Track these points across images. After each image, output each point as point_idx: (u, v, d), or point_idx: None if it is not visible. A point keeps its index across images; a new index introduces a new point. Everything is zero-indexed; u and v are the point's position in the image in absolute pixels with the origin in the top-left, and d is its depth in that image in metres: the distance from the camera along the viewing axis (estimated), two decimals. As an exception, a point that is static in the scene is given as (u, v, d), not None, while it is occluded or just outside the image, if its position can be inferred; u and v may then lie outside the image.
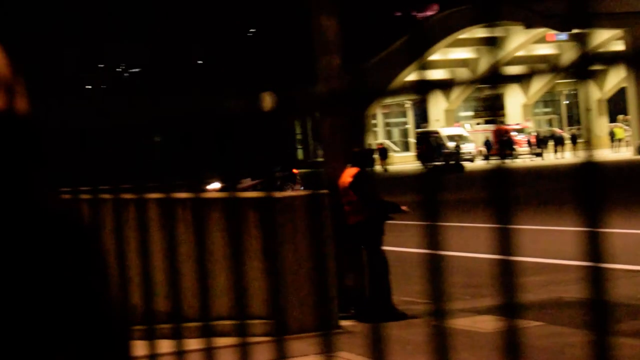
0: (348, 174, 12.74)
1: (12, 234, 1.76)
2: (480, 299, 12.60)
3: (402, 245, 16.04)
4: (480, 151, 73.88)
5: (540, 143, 72.08)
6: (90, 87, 71.51)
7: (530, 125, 79.46)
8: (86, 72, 69.59)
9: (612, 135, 76.35)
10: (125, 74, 78.47)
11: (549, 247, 17.17)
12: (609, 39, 74.17)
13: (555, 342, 10.03)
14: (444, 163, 57.29)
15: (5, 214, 1.77)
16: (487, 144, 73.62)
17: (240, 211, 10.55)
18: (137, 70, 77.76)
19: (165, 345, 3.66)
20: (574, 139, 72.94)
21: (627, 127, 73.79)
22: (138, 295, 3.76)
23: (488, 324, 10.55)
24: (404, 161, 77.88)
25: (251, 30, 78.42)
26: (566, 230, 18.03)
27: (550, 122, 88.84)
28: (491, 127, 76.85)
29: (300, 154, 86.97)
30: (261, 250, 10.24)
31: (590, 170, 1.86)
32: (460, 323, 10.91)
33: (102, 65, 74.95)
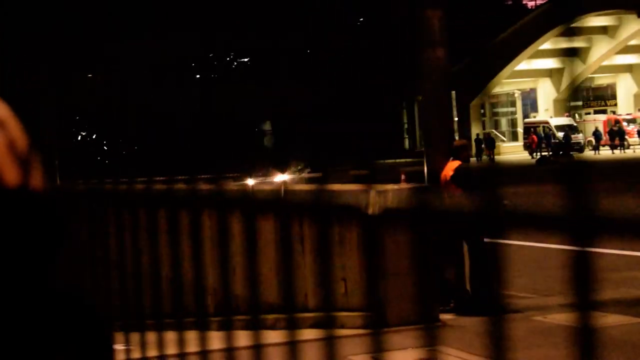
0: (450, 168, 12.68)
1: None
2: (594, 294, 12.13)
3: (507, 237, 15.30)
4: (590, 141, 71.75)
5: None
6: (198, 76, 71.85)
7: None
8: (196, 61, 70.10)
9: None
10: (234, 64, 78.57)
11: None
12: None
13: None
14: (551, 154, 56.39)
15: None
16: (596, 134, 71.86)
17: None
18: (245, 60, 77.91)
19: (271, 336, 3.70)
20: None
21: None
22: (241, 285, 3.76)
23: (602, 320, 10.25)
24: (512, 151, 76.91)
25: (359, 20, 78.13)
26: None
27: None
28: (601, 117, 75.28)
29: (406, 143, 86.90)
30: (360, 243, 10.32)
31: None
32: (562, 318, 10.77)
33: (211, 55, 75.25)
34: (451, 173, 12.60)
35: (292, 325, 3.64)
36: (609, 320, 10.48)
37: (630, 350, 9.48)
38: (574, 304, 2.08)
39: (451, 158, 12.82)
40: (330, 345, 3.31)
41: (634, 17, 69.22)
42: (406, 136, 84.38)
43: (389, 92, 70.63)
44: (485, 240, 12.04)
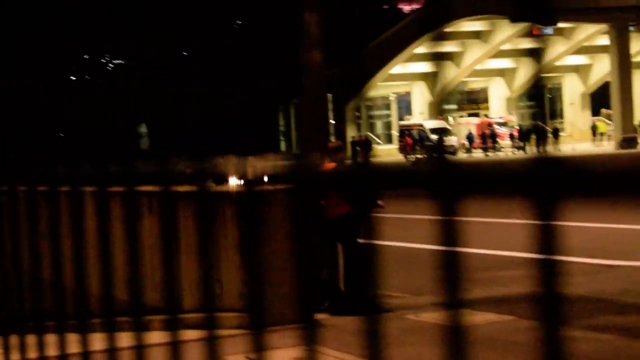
0: (325, 169, 12.75)
1: None
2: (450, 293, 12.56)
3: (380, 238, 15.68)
4: (463, 144, 73.56)
5: (523, 136, 70.89)
6: (74, 78, 71.02)
7: (513, 118, 78.95)
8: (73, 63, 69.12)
9: (594, 129, 76.19)
10: (109, 66, 77.58)
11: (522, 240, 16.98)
12: (594, 33, 74.74)
13: (520, 337, 9.98)
14: (426, 156, 57.58)
15: None
16: (469, 136, 73.78)
17: (218, 204, 10.73)
18: (121, 62, 76.96)
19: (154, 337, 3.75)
20: (555, 133, 72.86)
21: (609, 122, 73.69)
22: (123, 288, 3.84)
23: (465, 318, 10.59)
24: (388, 154, 77.63)
25: (237, 22, 77.93)
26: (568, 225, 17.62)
27: (534, 116, 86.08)
28: (475, 120, 77.11)
29: (282, 145, 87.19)
30: (238, 244, 10.44)
31: (546, 164, 1.92)
32: (433, 317, 10.96)
33: (87, 57, 74.30)
34: None
35: (172, 326, 3.72)
36: (479, 318, 10.74)
37: (501, 346, 9.70)
38: (445, 303, 2.20)
39: (327, 160, 12.94)
40: (210, 345, 3.39)
41: (506, 22, 71.22)
42: (282, 138, 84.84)
43: (266, 95, 71.20)
44: (360, 241, 12.33)
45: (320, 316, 11.51)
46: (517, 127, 74.98)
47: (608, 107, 76.75)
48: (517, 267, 14.66)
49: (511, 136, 73.50)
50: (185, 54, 70.03)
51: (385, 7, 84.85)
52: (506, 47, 76.68)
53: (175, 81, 62.75)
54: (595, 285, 13.18)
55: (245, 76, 64.70)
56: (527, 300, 11.98)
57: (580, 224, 20.38)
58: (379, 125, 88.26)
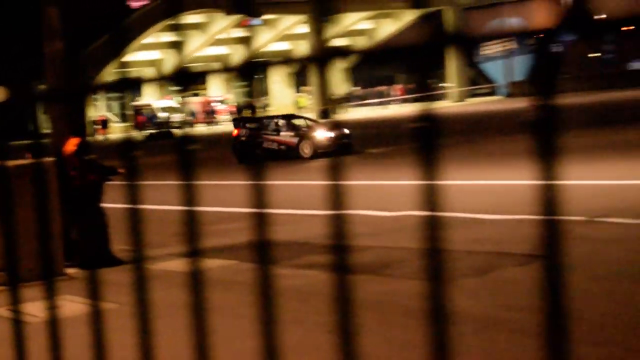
0: (71, 143, 12.58)
1: None
2: (184, 245, 12.59)
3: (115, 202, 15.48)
4: (188, 119, 72.78)
5: (238, 111, 71.58)
6: None
7: (230, 97, 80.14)
8: None
9: (296, 103, 78.35)
10: None
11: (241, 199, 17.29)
12: (294, 22, 76.34)
13: (245, 277, 10.14)
14: (156, 131, 57.20)
15: None
16: (192, 114, 73.08)
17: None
18: None
19: None
20: (264, 107, 74.56)
21: (309, 97, 75.78)
22: None
23: (184, 264, 10.59)
24: (123, 130, 75.32)
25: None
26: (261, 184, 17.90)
27: (247, 94, 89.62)
28: (197, 99, 77.77)
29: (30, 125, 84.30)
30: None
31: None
32: (162, 266, 11.14)
33: None
34: (73, 148, 12.44)
35: None
36: (209, 263, 10.79)
37: (229, 285, 9.81)
38: (185, 253, 2.23)
39: (71, 136, 12.63)
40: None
41: (222, 15, 72.22)
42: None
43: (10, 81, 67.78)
44: (102, 205, 12.25)
45: (72, 270, 11.28)
46: (234, 104, 76.81)
47: (307, 84, 79.57)
48: (236, 221, 14.80)
49: (229, 112, 74.85)
50: None
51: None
52: (222, 36, 77.01)
53: None
54: (301, 232, 13.44)
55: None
56: (246, 247, 12.25)
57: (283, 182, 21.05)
58: (115, 106, 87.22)
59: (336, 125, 30.37)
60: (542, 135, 1.24)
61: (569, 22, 1.15)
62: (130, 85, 2.39)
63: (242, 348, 6.89)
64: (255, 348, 2.17)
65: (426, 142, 1.52)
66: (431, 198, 1.43)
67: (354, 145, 29.06)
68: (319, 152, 28.26)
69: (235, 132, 30.90)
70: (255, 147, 29.15)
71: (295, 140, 29.23)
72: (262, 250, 1.89)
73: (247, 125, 30.76)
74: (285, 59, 2.00)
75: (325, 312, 7.59)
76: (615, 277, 9.46)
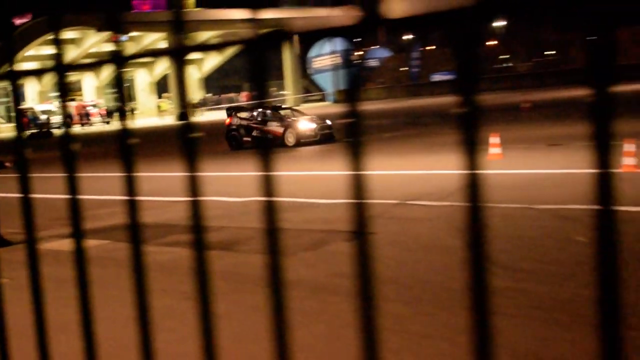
0: None
1: None
2: (68, 227, 12.16)
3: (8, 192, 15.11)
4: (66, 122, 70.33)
5: (109, 114, 70.18)
6: None
7: (101, 101, 77.79)
8: None
9: (159, 107, 76.32)
10: None
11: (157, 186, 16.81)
12: (156, 39, 75.68)
13: (119, 254, 10.15)
14: (38, 131, 55.07)
15: None
16: (69, 116, 70.31)
17: None
18: None
19: None
20: (132, 111, 72.52)
21: (170, 102, 74.34)
22: None
23: (68, 244, 10.34)
24: (8, 130, 72.46)
25: None
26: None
27: (116, 99, 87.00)
28: (73, 103, 75.11)
29: None
30: None
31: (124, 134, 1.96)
32: (48, 245, 10.79)
33: None
34: None
35: None
36: (90, 244, 10.50)
37: (105, 262, 9.62)
38: (67, 234, 2.21)
39: None
40: None
41: (93, 31, 70.11)
42: None
43: None
44: None
45: None
46: (105, 108, 74.02)
47: (168, 91, 79.00)
48: (110, 207, 14.44)
49: (100, 114, 72.52)
50: None
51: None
52: (94, 50, 74.24)
53: None
54: (167, 215, 13.23)
55: None
56: (119, 229, 12.06)
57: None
58: (2, 109, 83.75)
59: (318, 117, 29.06)
60: (355, 134, 1.26)
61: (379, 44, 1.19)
62: (16, 77, 2.36)
63: (120, 314, 6.88)
64: (130, 314, 2.18)
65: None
66: (269, 187, 1.50)
67: (335, 136, 27.13)
68: (302, 141, 26.56)
69: (228, 120, 28.81)
70: (245, 136, 27.41)
71: (281, 130, 26.98)
72: (133, 230, 1.89)
73: (239, 115, 28.63)
74: (151, 51, 1.99)
75: (187, 282, 7.57)
76: (423, 249, 9.68)
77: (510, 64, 77.14)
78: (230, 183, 17.89)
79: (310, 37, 70.59)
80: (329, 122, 27.71)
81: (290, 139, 27.14)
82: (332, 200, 13.77)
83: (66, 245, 10.20)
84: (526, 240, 9.85)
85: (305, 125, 27.35)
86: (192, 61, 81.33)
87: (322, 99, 77.59)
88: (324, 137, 26.96)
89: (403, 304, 7.38)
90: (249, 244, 10.69)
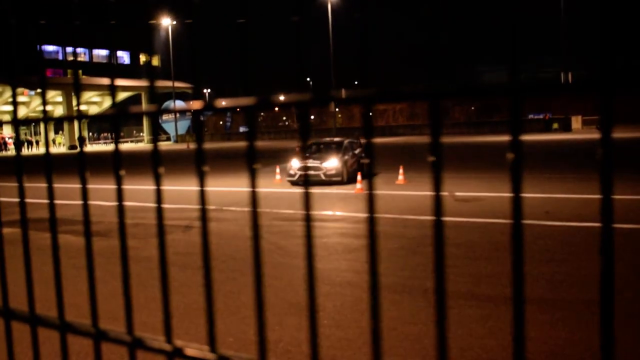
0: None
1: None
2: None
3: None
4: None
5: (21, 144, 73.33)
6: None
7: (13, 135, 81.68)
8: None
9: (54, 141, 79.05)
10: None
11: None
12: (54, 94, 78.81)
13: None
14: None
15: None
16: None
17: None
18: None
19: None
20: (37, 143, 76.50)
21: (63, 136, 77.89)
22: None
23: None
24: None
25: None
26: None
27: (26, 134, 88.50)
28: (-5, 135, 67.48)
29: None
30: None
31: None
32: None
33: None
34: None
35: None
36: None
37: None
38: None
39: None
40: None
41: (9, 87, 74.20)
42: None
43: None
44: None
45: None
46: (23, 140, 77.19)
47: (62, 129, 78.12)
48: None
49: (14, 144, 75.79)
50: None
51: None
52: (10, 99, 72.33)
53: None
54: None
55: None
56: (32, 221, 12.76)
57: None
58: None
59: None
60: (199, 163, 1.29)
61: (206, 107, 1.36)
62: None
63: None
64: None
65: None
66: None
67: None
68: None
69: None
70: None
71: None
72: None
73: None
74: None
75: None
76: (234, 239, 10.56)
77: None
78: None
79: (161, 98, 74.89)
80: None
81: None
82: (179, 206, 14.51)
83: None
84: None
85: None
86: (90, 103, 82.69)
87: (169, 139, 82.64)
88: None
89: (219, 271, 8.09)
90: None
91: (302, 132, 1.27)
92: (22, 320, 1.84)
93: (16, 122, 1.83)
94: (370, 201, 1.19)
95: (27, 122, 1.87)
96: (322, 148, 19.76)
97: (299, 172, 16.31)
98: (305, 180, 1.27)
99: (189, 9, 1.35)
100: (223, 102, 1.44)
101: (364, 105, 1.17)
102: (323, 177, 18.70)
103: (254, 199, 1.31)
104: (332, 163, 18.67)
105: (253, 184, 1.29)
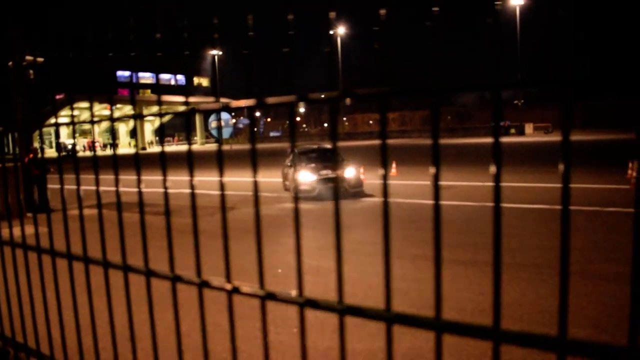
0: (28, 157, 12.09)
1: None
2: None
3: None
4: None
5: (104, 146, 68.91)
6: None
7: (100, 139, 76.24)
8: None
9: (129, 144, 75.71)
10: None
11: None
12: (129, 109, 72.13)
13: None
14: (65, 154, 44.98)
15: None
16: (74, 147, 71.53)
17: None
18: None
19: None
20: (116, 145, 79.66)
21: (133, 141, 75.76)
22: None
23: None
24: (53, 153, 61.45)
25: None
26: None
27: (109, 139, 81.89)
28: (86, 139, 72.03)
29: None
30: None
31: None
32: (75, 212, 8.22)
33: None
34: (29, 159, 12.34)
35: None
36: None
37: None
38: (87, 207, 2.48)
39: (29, 153, 12.36)
40: None
41: (97, 103, 65.61)
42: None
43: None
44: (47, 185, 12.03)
45: (29, 214, 10.76)
46: (102, 143, 73.37)
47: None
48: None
49: (100, 147, 69.60)
50: None
51: None
52: (98, 112, 70.91)
53: None
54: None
55: None
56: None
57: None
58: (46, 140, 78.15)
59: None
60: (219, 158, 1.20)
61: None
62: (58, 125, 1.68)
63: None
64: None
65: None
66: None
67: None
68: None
69: None
70: None
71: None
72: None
73: None
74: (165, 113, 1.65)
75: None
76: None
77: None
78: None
79: (210, 111, 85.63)
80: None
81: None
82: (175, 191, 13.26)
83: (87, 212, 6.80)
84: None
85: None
86: (149, 121, 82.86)
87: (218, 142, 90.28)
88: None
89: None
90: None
91: (331, 132, 1.19)
92: (139, 273, 1.98)
93: (112, 120, 1.92)
94: (384, 185, 1.21)
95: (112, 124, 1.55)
96: (315, 156, 13.91)
97: (319, 186, 12.30)
98: (335, 194, 1.06)
99: (245, 41, 1.39)
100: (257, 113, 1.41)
101: (380, 101, 1.09)
102: (348, 189, 12.72)
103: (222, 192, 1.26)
104: (351, 173, 12.79)
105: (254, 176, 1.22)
